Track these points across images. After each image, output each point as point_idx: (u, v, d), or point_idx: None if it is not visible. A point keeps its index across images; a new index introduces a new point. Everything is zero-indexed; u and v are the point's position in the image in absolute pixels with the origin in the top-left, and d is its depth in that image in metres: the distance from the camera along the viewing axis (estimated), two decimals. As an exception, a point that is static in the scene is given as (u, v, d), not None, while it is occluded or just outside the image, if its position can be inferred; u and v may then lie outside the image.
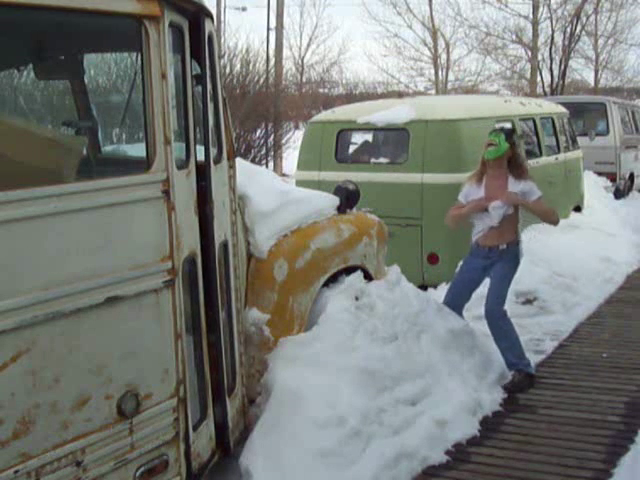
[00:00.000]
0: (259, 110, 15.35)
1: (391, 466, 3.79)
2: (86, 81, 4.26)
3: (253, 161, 14.21)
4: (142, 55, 2.94)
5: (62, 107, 4.64)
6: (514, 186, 5.13)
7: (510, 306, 5.82)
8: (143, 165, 2.98)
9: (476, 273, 5.30)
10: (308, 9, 59.35)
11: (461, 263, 5.57)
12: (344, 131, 7.85)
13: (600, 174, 12.24)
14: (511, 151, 5.14)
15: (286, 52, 28.99)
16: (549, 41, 25.57)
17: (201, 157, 3.37)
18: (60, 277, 2.62)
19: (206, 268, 3.36)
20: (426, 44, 30.02)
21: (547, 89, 25.55)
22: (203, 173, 3.34)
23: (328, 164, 7.67)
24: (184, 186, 3.14)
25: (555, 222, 5.48)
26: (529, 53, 26.32)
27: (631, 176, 13.77)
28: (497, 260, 5.19)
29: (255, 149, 15.71)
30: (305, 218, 4.52)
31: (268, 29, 23.95)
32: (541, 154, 8.88)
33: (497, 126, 5.66)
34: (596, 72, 29.87)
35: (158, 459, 3.03)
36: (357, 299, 4.60)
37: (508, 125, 5.97)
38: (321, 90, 36.23)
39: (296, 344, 4.15)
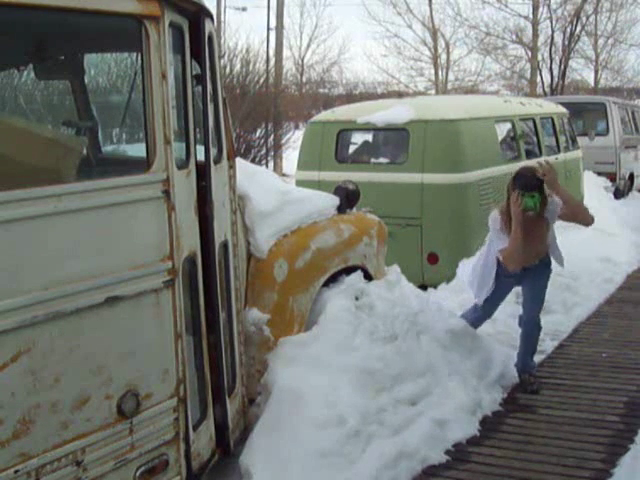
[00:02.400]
0: (259, 110, 15.34)
1: (391, 466, 3.79)
2: (86, 81, 4.26)
3: (253, 161, 14.20)
4: (142, 55, 2.94)
5: (62, 107, 4.64)
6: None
7: (510, 306, 5.83)
8: (143, 165, 2.98)
9: (507, 289, 5.27)
10: (308, 9, 59.53)
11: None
12: (344, 131, 7.86)
13: (600, 174, 12.24)
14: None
15: (286, 52, 29.04)
16: (549, 41, 25.62)
17: (201, 157, 3.37)
18: (60, 277, 2.62)
19: (206, 268, 3.36)
20: (426, 44, 30.07)
21: (547, 89, 25.57)
22: (203, 173, 3.35)
23: (328, 164, 7.68)
24: (184, 186, 3.15)
25: (589, 222, 5.04)
26: (529, 53, 26.34)
27: (631, 176, 13.76)
28: (531, 273, 5.07)
29: (255, 149, 15.70)
30: (305, 218, 4.52)
31: (268, 29, 23.95)
32: (541, 154, 8.88)
33: (524, 172, 4.82)
34: (596, 72, 29.89)
35: (158, 459, 3.03)
36: (357, 299, 4.60)
37: (534, 169, 4.85)
38: (321, 90, 36.27)
39: (296, 344, 4.16)
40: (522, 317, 5.24)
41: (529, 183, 4.75)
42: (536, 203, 4.73)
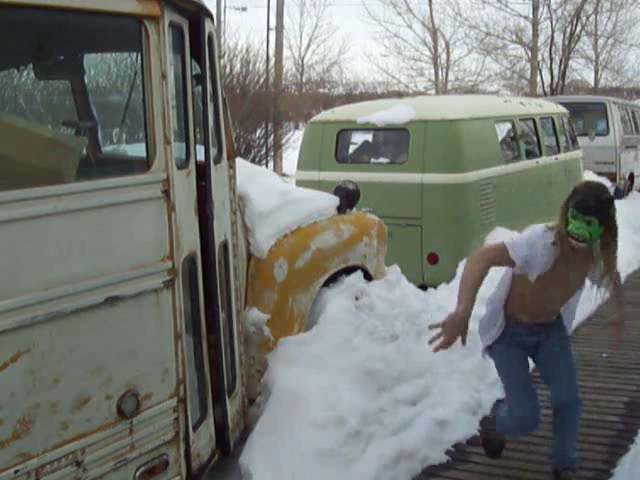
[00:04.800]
0: (259, 110, 15.36)
1: (391, 466, 3.79)
2: (86, 81, 4.26)
3: (253, 161, 14.21)
4: (142, 55, 2.94)
5: (62, 107, 4.64)
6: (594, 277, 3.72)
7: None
8: (143, 165, 2.99)
9: (524, 357, 3.79)
10: (308, 9, 59.45)
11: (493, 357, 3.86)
12: (344, 131, 7.85)
13: (600, 174, 12.24)
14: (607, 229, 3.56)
15: (286, 52, 29.02)
16: (549, 41, 25.64)
17: (201, 157, 3.37)
18: (60, 277, 2.62)
19: (206, 268, 3.36)
20: (426, 44, 30.07)
21: (547, 89, 25.58)
22: (203, 173, 3.35)
23: (328, 164, 7.67)
24: (184, 186, 3.14)
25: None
26: (529, 53, 26.35)
27: (631, 176, 13.77)
28: (548, 335, 3.76)
29: (255, 149, 15.71)
30: (305, 218, 4.52)
31: (268, 29, 23.93)
32: (541, 154, 8.88)
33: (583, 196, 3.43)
34: (596, 72, 29.88)
35: (158, 459, 3.03)
36: (357, 299, 4.60)
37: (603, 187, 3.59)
38: (321, 90, 36.24)
39: (296, 344, 4.16)
40: (556, 398, 3.83)
41: (587, 203, 3.40)
42: (591, 233, 3.44)
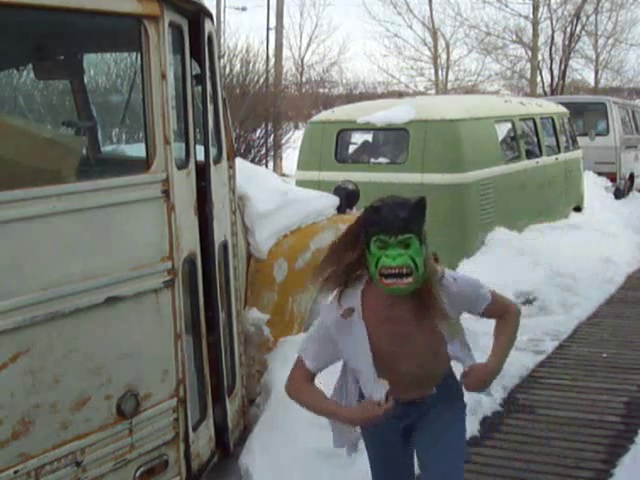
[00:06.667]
0: (259, 110, 15.34)
1: (391, 466, 3.79)
2: (86, 81, 4.26)
3: (253, 161, 14.20)
4: (142, 55, 2.94)
5: (62, 107, 4.64)
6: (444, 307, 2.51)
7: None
8: (143, 165, 2.98)
9: (398, 448, 2.72)
10: (308, 9, 59.40)
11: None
12: (344, 131, 7.86)
13: (600, 174, 12.25)
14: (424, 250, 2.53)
15: (286, 52, 29.03)
16: (549, 41, 25.68)
17: (201, 157, 3.37)
18: (60, 277, 2.62)
19: (206, 268, 3.36)
20: (426, 44, 30.08)
21: (547, 89, 25.60)
22: (203, 173, 3.34)
23: (328, 164, 7.68)
24: (184, 186, 3.14)
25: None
26: (529, 53, 26.37)
27: (631, 176, 13.77)
28: (427, 410, 2.62)
29: (255, 149, 15.70)
30: (305, 218, 4.52)
31: (268, 29, 23.90)
32: (541, 154, 8.89)
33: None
34: (596, 72, 29.90)
35: (158, 459, 3.03)
36: (357, 299, 4.59)
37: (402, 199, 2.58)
38: (321, 90, 36.24)
39: (296, 344, 4.15)
40: None
41: (394, 215, 2.42)
42: (414, 258, 2.47)
